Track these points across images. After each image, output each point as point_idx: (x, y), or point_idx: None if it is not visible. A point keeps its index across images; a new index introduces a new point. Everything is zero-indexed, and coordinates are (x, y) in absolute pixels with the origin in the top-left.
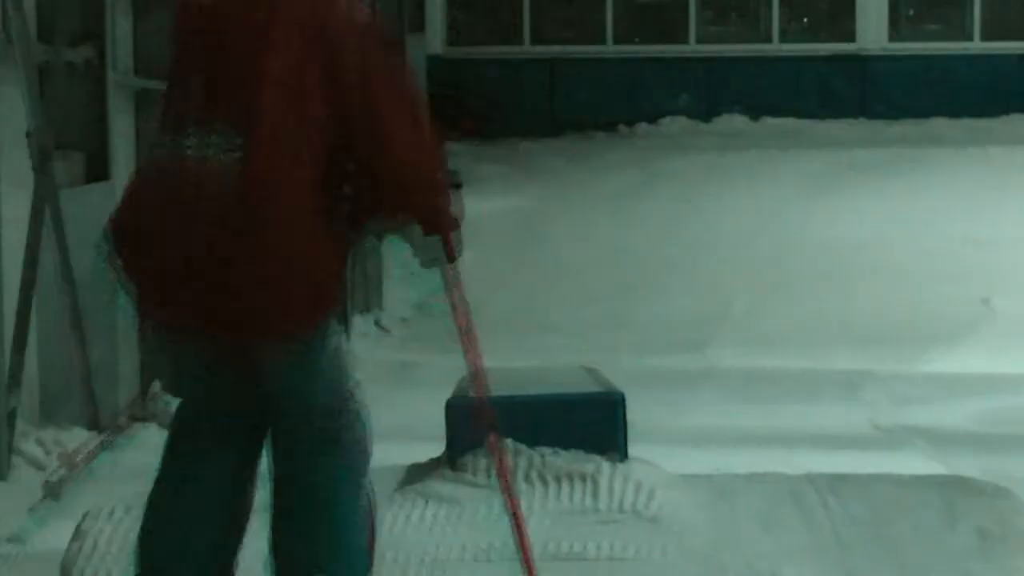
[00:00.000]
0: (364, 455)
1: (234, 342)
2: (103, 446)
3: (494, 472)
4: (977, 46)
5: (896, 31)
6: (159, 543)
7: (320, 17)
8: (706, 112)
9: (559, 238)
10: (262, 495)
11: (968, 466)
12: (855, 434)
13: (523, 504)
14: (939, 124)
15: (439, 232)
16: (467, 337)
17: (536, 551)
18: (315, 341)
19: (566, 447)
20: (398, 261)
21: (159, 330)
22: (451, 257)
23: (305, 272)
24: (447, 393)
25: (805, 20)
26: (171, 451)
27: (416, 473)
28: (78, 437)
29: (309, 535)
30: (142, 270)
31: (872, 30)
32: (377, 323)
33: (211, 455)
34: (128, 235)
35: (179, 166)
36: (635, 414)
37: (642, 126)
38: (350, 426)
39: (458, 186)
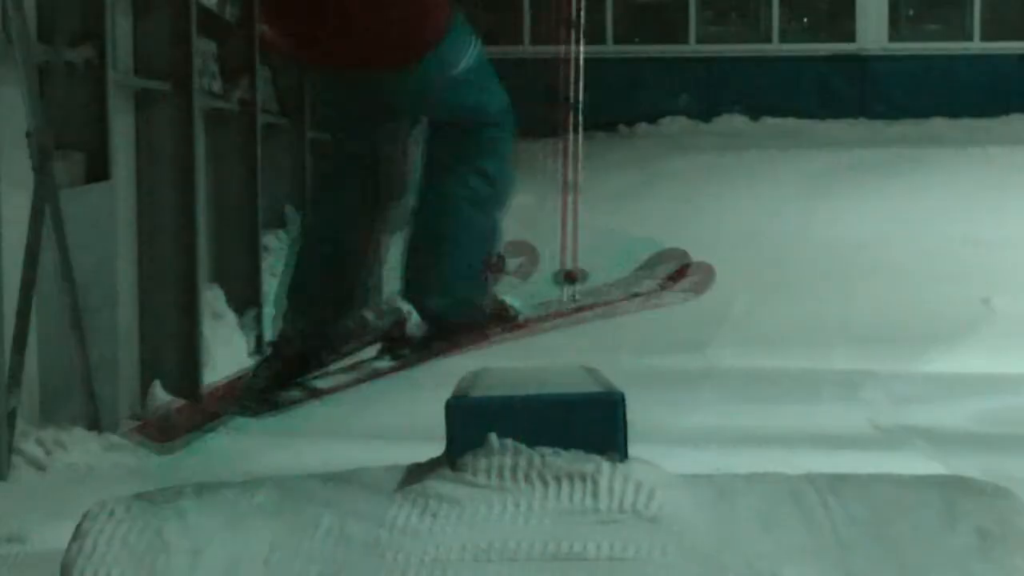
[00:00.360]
0: None
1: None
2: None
3: (495, 472)
4: (977, 46)
5: (896, 31)
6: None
7: None
8: (706, 112)
9: (558, 238)
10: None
11: (968, 466)
12: (855, 434)
13: (523, 504)
14: (939, 124)
15: None
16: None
17: (536, 551)
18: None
19: (566, 447)
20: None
21: None
22: None
23: None
24: (447, 393)
25: (805, 20)
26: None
27: (416, 473)
28: (78, 437)
29: None
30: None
31: (872, 30)
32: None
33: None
34: None
35: None
36: (635, 414)
37: (642, 126)
38: None
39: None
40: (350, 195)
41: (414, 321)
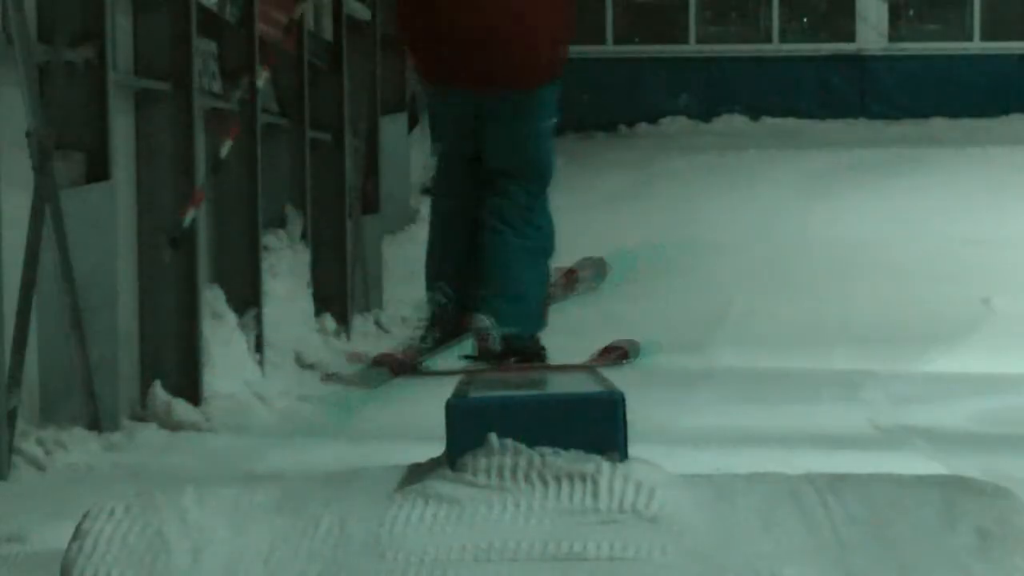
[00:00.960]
0: None
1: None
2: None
3: (495, 472)
4: (977, 46)
5: (896, 31)
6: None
7: None
8: (706, 112)
9: (558, 238)
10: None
11: (968, 466)
12: (855, 434)
13: (523, 504)
14: (939, 124)
15: None
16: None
17: (536, 551)
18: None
19: (566, 447)
20: (399, 261)
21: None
22: None
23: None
24: (447, 393)
25: (805, 20)
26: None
27: (416, 473)
28: (78, 437)
29: None
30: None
31: (872, 30)
32: (377, 323)
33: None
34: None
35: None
36: (635, 414)
37: (642, 126)
38: None
39: None
40: (466, 188)
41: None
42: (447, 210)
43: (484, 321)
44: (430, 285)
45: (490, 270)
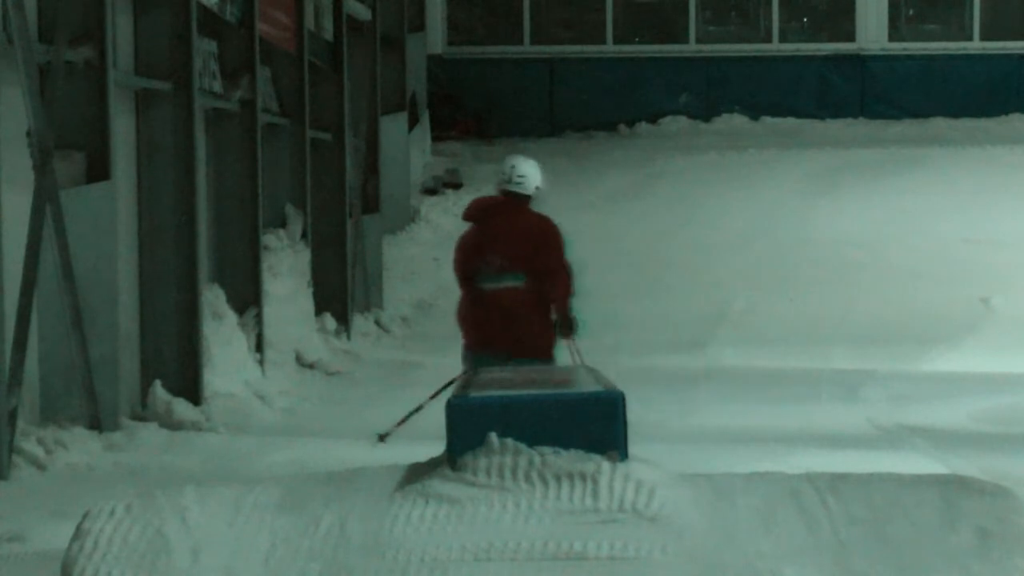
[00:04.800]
0: None
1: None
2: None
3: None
4: (977, 46)
5: (896, 31)
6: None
7: (539, 227)
8: (706, 112)
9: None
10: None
11: (968, 466)
12: (855, 434)
13: (523, 504)
14: (939, 124)
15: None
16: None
17: (536, 551)
18: (548, 358)
19: (566, 447)
20: (399, 261)
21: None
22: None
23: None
24: (447, 393)
25: (805, 20)
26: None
27: (416, 473)
28: (78, 436)
29: None
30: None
31: (872, 30)
32: (377, 323)
33: None
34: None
35: (488, 293)
36: (635, 414)
37: (642, 126)
38: None
39: (458, 186)
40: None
41: None
42: None
43: None
44: None
45: None
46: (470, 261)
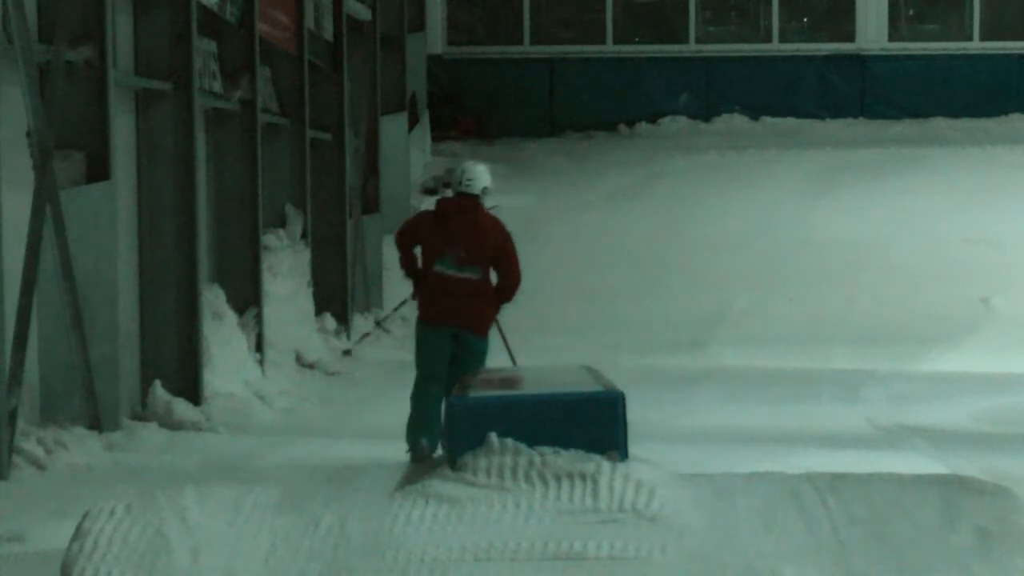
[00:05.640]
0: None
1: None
2: None
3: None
4: (977, 46)
5: (896, 31)
6: (415, 417)
7: (495, 229)
8: (706, 112)
9: (559, 238)
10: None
11: (968, 466)
12: (855, 434)
13: (523, 504)
14: (939, 124)
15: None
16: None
17: (536, 551)
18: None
19: (566, 447)
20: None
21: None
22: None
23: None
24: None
25: (805, 20)
26: (417, 384)
27: (416, 473)
28: (78, 436)
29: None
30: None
31: (872, 30)
32: (377, 323)
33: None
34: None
35: (450, 278)
36: (635, 414)
37: (642, 126)
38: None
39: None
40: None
41: None
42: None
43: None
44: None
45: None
46: (434, 250)
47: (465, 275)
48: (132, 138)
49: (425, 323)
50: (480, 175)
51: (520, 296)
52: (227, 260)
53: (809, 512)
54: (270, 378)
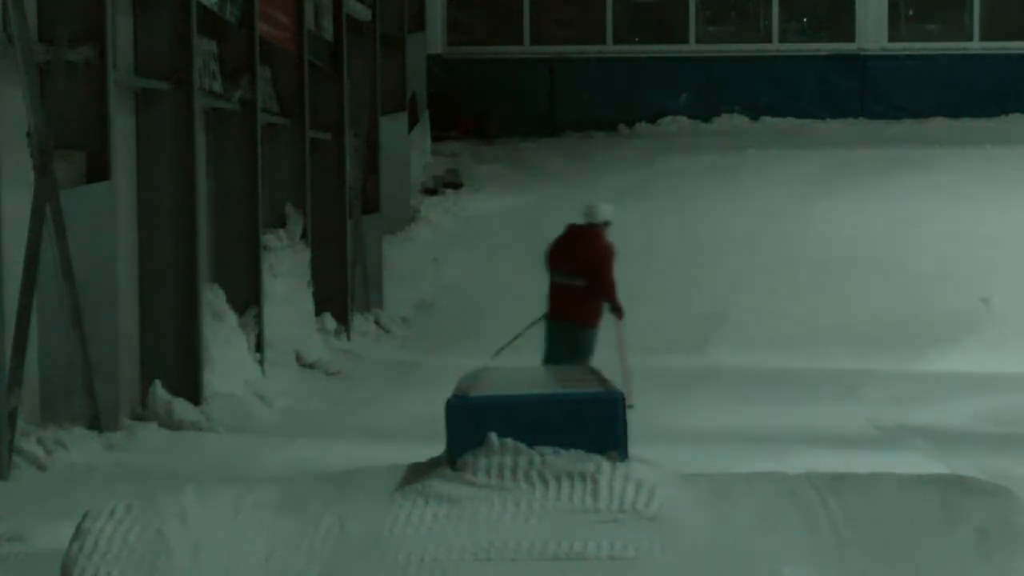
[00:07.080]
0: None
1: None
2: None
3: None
4: (977, 46)
5: (895, 31)
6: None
7: (596, 248)
8: (706, 112)
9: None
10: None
11: (968, 466)
12: (855, 434)
13: (523, 504)
14: (939, 124)
15: (616, 312)
16: (625, 366)
17: (536, 550)
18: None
19: (566, 447)
20: (399, 261)
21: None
22: (619, 316)
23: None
24: (447, 393)
25: (805, 20)
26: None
27: (416, 473)
28: (78, 437)
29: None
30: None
31: (871, 30)
32: (377, 323)
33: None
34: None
35: (560, 285)
36: (635, 414)
37: (642, 126)
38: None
39: (458, 186)
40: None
41: None
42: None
43: None
44: None
45: None
46: (553, 265)
47: (573, 283)
48: (132, 138)
49: (546, 317)
50: (603, 209)
51: (519, 296)
52: (227, 260)
53: (809, 512)
54: (270, 378)
